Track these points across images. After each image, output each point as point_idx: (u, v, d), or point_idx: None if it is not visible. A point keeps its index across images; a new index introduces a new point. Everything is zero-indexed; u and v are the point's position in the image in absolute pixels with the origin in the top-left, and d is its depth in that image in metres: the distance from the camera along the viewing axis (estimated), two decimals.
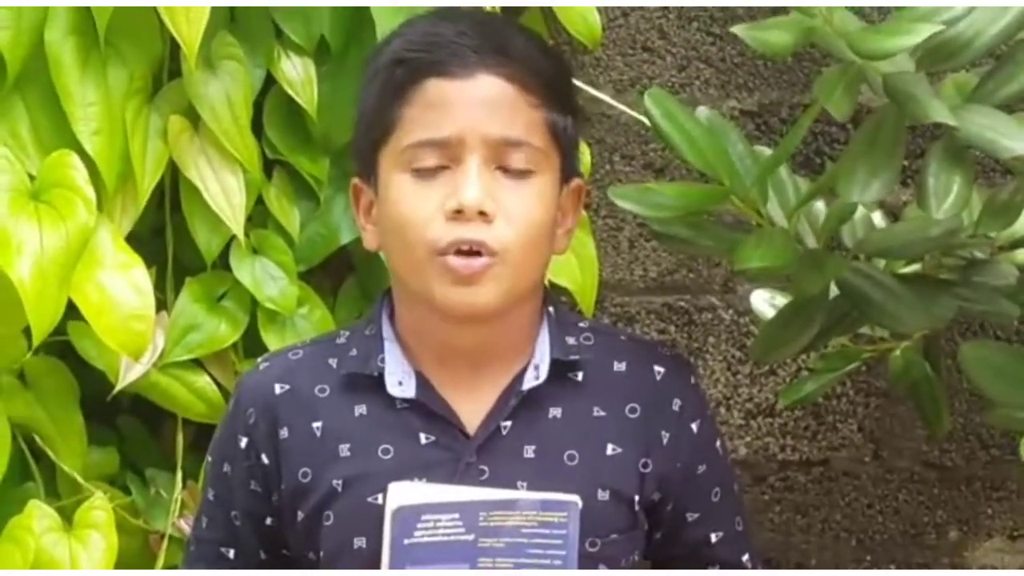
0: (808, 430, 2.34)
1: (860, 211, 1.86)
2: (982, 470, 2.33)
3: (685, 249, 2.07)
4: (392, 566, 1.47)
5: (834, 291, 1.80)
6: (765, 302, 2.02)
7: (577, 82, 2.19)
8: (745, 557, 1.68)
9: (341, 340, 1.64)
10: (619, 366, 1.62)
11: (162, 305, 2.09)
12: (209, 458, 1.69)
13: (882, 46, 1.53)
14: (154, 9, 2.00)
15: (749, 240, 1.69)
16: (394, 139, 1.56)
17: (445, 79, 1.54)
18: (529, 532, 1.48)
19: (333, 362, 1.62)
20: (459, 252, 1.52)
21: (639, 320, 2.30)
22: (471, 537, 1.47)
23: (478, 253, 1.52)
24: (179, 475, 2.11)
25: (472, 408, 1.58)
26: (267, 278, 2.12)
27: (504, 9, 2.16)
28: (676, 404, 1.62)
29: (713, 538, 1.66)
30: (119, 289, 1.99)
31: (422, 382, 1.58)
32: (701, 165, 1.73)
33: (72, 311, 1.99)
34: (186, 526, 2.08)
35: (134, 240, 2.06)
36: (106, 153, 2.04)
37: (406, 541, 1.47)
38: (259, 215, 2.15)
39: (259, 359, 1.71)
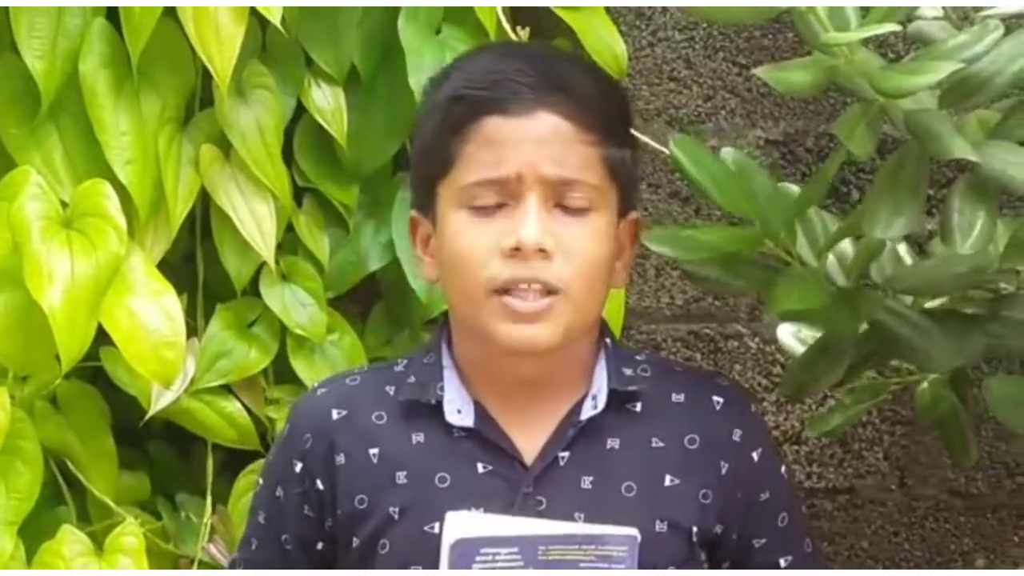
0: (834, 458, 2.34)
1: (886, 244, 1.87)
2: (1008, 498, 2.32)
3: (718, 289, 2.07)
4: None
5: (862, 327, 1.80)
6: (791, 335, 2.01)
7: None
8: None
9: (399, 368, 1.64)
10: (677, 397, 1.62)
11: (193, 331, 2.12)
12: (260, 480, 1.68)
13: (903, 84, 1.54)
14: (187, 40, 2.03)
15: (782, 282, 1.68)
16: (452, 176, 1.56)
17: (503, 117, 1.54)
18: (588, 566, 1.47)
19: (391, 389, 1.61)
20: (518, 291, 1.53)
21: (665, 348, 2.31)
22: (529, 571, 1.47)
23: (538, 291, 1.53)
24: (208, 500, 2.12)
25: (530, 438, 1.58)
26: (297, 305, 2.14)
27: (531, 36, 2.18)
28: (736, 434, 1.62)
29: (782, 563, 1.66)
30: (150, 316, 2.01)
31: (481, 411, 1.58)
32: (730, 207, 1.72)
33: (104, 337, 2.01)
34: (215, 550, 2.10)
35: (165, 267, 2.08)
36: (139, 181, 2.06)
37: (464, 574, 1.47)
38: (289, 242, 2.17)
39: (316, 384, 1.72)
